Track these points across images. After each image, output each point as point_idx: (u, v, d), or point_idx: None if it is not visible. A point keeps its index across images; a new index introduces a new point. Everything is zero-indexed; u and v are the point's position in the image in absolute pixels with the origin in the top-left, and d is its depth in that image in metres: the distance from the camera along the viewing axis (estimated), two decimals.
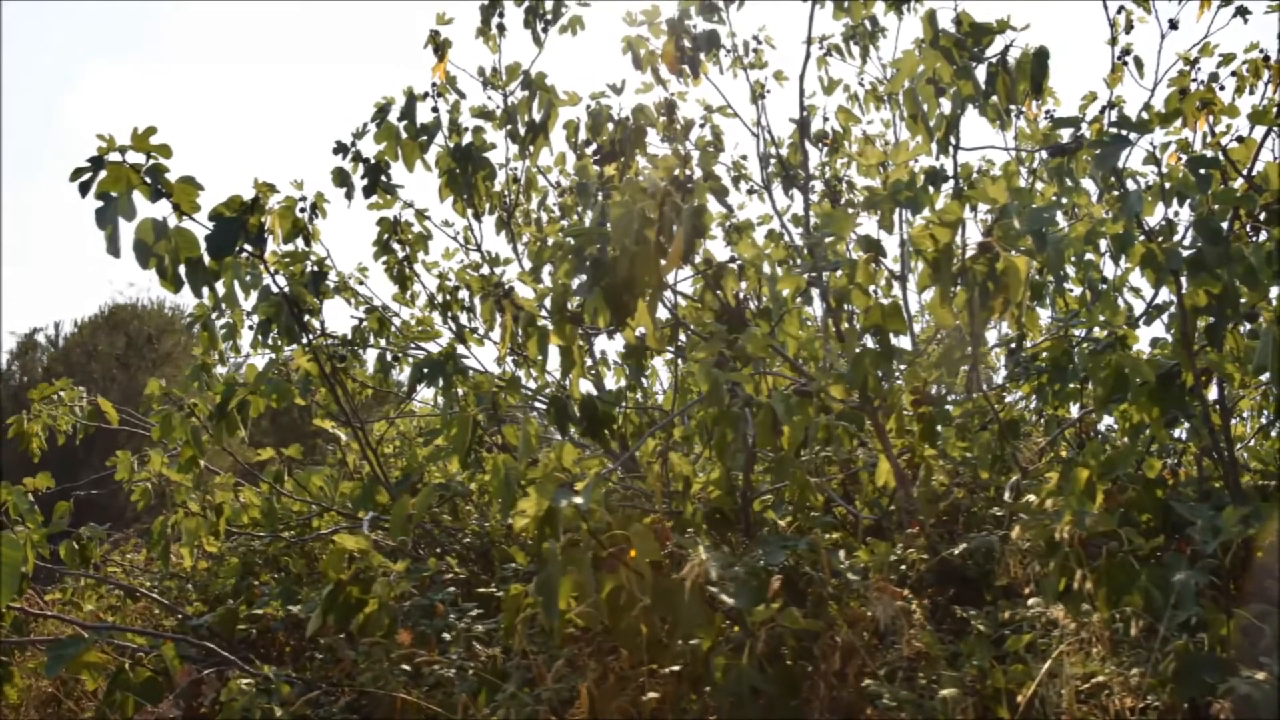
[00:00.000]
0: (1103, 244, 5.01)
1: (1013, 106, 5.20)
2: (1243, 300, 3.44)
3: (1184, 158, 3.76)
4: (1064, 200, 5.17)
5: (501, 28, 6.58)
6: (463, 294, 6.60)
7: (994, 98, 5.17)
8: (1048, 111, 6.02)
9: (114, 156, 3.91)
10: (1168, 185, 3.71)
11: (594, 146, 6.45)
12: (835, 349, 4.38)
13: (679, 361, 5.12)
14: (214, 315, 6.07)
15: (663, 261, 4.17)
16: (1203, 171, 3.44)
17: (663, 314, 4.89)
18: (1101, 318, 3.94)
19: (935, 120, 5.26)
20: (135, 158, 3.94)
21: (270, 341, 5.38)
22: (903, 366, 4.21)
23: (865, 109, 7.19)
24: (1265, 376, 3.49)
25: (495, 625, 3.70)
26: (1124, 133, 3.44)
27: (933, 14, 5.16)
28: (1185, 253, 3.45)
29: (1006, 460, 4.28)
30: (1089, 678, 2.86)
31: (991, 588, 3.50)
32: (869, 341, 3.89)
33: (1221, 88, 5.55)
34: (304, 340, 5.15)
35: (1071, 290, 5.49)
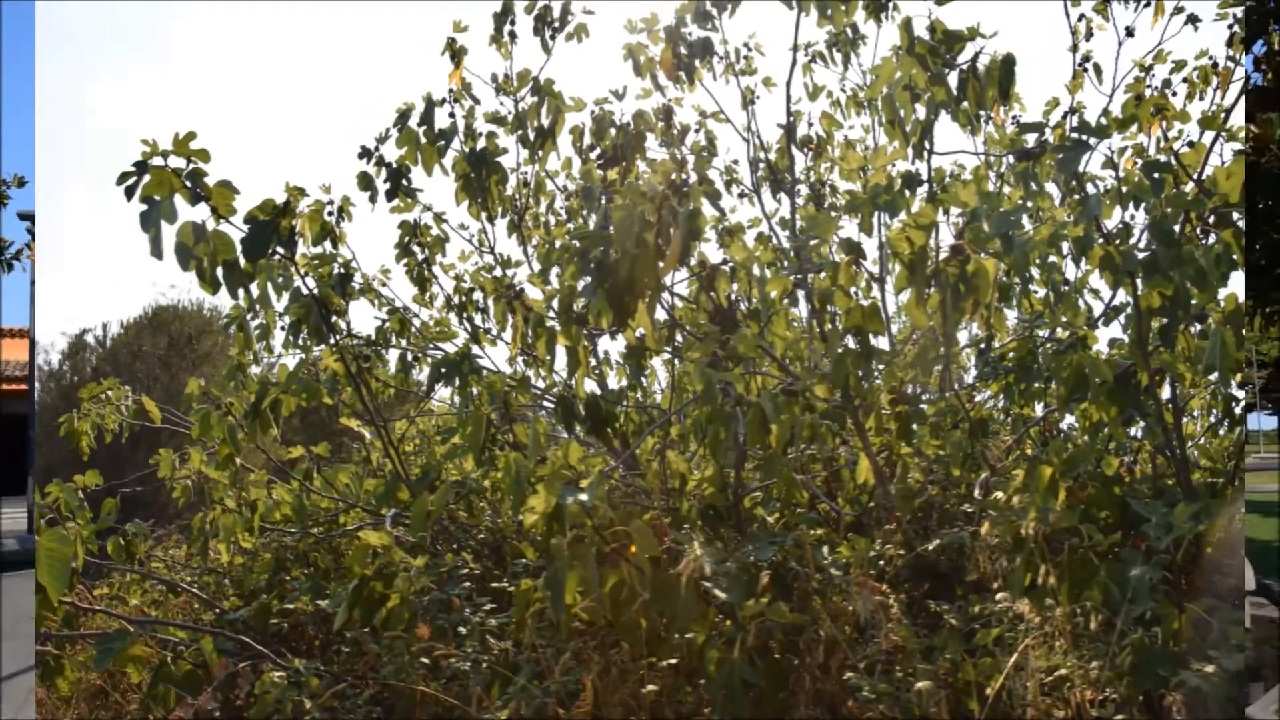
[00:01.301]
0: (1065, 246, 5.01)
1: (982, 112, 5.19)
2: (1193, 301, 3.44)
3: (1140, 162, 3.76)
4: (1029, 204, 5.16)
5: (513, 35, 6.55)
6: (477, 295, 6.60)
7: (965, 103, 5.16)
8: (1014, 117, 5.99)
9: (157, 161, 3.90)
10: (1124, 189, 3.71)
11: (598, 151, 6.44)
12: (819, 349, 4.39)
13: (676, 361, 5.13)
14: (249, 316, 6.08)
15: (661, 263, 4.18)
16: (1156, 176, 3.43)
17: (661, 315, 4.90)
18: (1064, 319, 3.95)
19: (911, 125, 5.27)
20: (176, 162, 3.94)
21: (300, 342, 5.40)
22: (881, 366, 4.22)
23: (846, 114, 7.15)
24: (1214, 376, 3.50)
25: (507, 619, 3.74)
26: (1084, 138, 3.45)
27: (909, 21, 5.16)
28: (1140, 255, 3.45)
29: (977, 458, 4.28)
30: (1052, 671, 2.89)
31: (963, 582, 3.53)
32: (850, 342, 3.91)
33: (1174, 93, 5.53)
34: (331, 341, 5.17)
35: (1036, 292, 5.49)
